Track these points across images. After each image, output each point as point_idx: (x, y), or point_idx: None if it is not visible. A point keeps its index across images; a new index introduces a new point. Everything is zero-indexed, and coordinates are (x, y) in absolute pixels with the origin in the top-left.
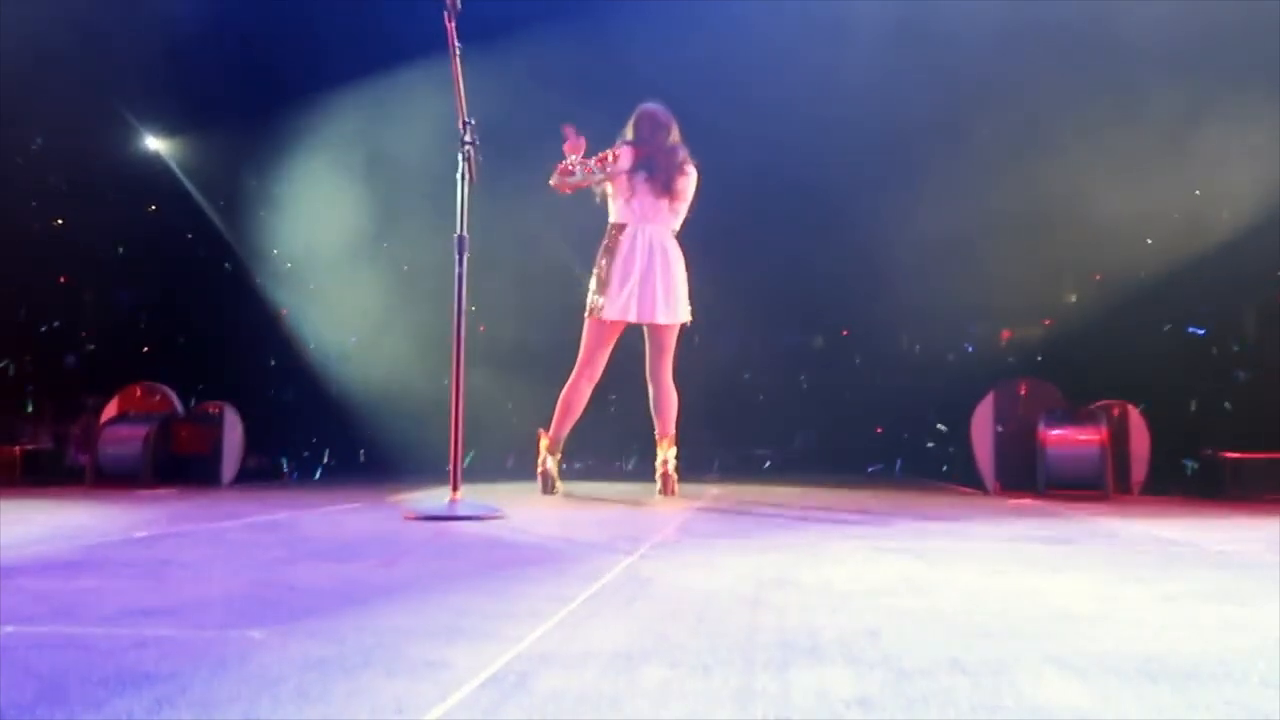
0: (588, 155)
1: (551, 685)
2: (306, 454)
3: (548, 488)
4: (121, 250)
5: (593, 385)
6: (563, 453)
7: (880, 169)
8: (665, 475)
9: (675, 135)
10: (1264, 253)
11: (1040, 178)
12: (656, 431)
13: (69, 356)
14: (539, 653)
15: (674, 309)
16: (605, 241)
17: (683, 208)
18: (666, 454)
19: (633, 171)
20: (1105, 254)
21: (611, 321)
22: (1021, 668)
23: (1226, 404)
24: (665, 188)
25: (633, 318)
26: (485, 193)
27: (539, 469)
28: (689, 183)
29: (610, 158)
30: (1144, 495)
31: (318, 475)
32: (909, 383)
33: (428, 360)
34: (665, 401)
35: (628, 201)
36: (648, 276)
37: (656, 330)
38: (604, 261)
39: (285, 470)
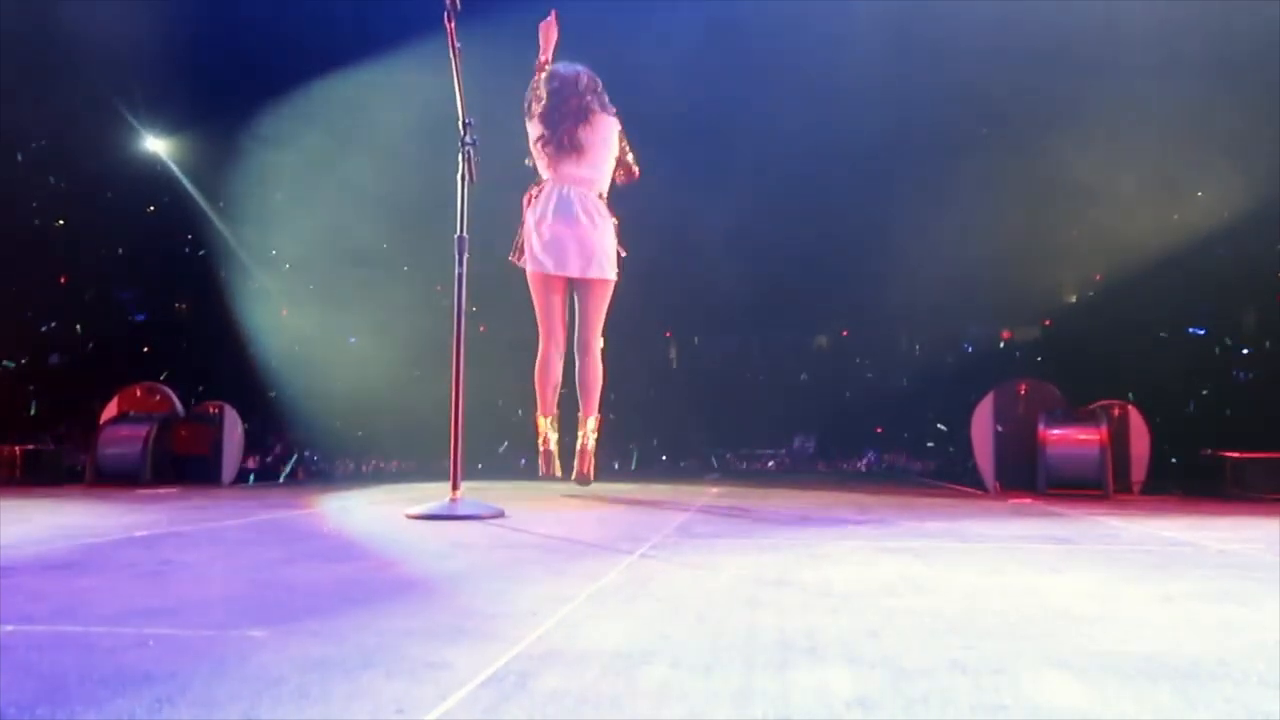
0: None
1: (552, 685)
2: (307, 452)
3: (550, 468)
4: (121, 250)
5: (561, 352)
6: (560, 429)
7: (882, 169)
8: (583, 450)
9: (582, 87)
10: (1264, 253)
11: (1040, 179)
12: (580, 408)
13: (53, 356)
14: (539, 653)
15: (589, 263)
16: (528, 196)
17: (596, 160)
18: (587, 431)
19: (540, 137)
20: (1105, 254)
21: (543, 276)
22: (1021, 668)
23: (1226, 404)
24: (568, 145)
25: (550, 269)
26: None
27: (540, 449)
28: (593, 132)
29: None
30: (1144, 495)
31: (315, 475)
32: (909, 383)
33: (428, 359)
34: (590, 375)
35: (542, 162)
36: (561, 231)
37: (581, 290)
38: (526, 215)
39: (284, 472)
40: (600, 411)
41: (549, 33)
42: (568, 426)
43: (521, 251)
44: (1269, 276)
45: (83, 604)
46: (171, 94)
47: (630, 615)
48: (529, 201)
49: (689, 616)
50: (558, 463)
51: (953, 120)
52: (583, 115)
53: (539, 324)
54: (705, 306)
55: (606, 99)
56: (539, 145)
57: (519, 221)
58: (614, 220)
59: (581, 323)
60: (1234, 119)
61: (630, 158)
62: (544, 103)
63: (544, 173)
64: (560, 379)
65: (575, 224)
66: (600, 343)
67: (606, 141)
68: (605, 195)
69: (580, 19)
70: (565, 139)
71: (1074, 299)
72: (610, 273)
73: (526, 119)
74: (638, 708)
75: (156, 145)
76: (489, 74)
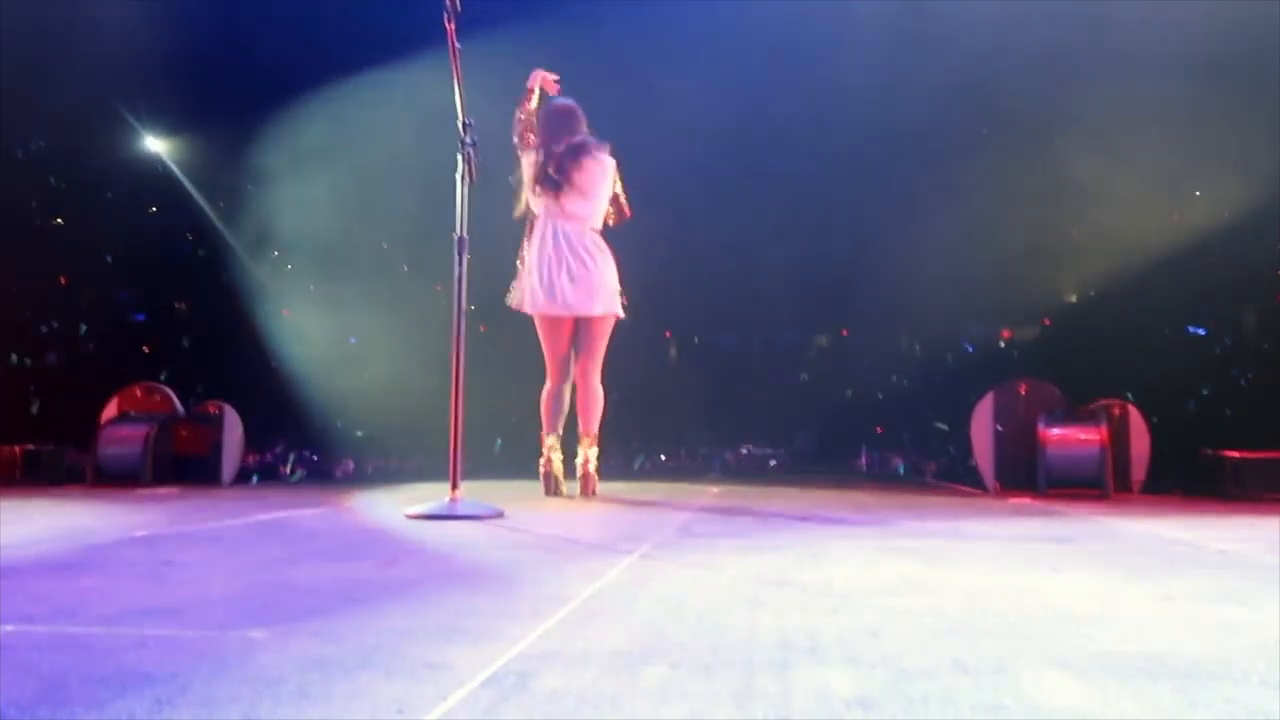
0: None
1: (552, 685)
2: (307, 452)
3: (551, 488)
4: (121, 250)
5: (569, 384)
6: (564, 451)
7: (881, 169)
8: (585, 475)
9: (577, 129)
10: (1264, 253)
11: (1040, 179)
12: (579, 429)
13: (53, 356)
14: (539, 653)
15: (592, 301)
16: (525, 233)
17: (590, 200)
18: (587, 453)
19: (535, 173)
20: (1106, 254)
21: (547, 317)
22: (1022, 668)
23: (1226, 404)
24: (559, 186)
25: (555, 311)
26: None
27: (542, 469)
28: (587, 176)
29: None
30: (1144, 495)
31: (316, 475)
32: (909, 383)
33: (427, 359)
34: (588, 401)
35: (536, 198)
36: (556, 270)
37: (584, 325)
38: (522, 253)
39: (286, 470)
40: (600, 435)
41: (547, 83)
42: (567, 444)
43: (520, 295)
44: (1269, 276)
45: (83, 604)
46: (171, 94)
47: (630, 615)
48: (525, 241)
49: (689, 616)
50: (561, 483)
51: (953, 120)
52: (580, 151)
53: (546, 361)
54: (705, 306)
55: (596, 135)
56: (533, 181)
57: (510, 264)
58: (612, 257)
59: (584, 355)
60: (1234, 119)
61: (623, 198)
62: (539, 138)
63: (537, 209)
64: (567, 406)
65: (575, 263)
66: (600, 371)
67: (603, 178)
68: (599, 230)
69: (579, 20)
70: (561, 175)
71: (1074, 299)
72: (615, 307)
73: (520, 152)
74: (638, 708)
75: (156, 145)
76: (489, 74)
